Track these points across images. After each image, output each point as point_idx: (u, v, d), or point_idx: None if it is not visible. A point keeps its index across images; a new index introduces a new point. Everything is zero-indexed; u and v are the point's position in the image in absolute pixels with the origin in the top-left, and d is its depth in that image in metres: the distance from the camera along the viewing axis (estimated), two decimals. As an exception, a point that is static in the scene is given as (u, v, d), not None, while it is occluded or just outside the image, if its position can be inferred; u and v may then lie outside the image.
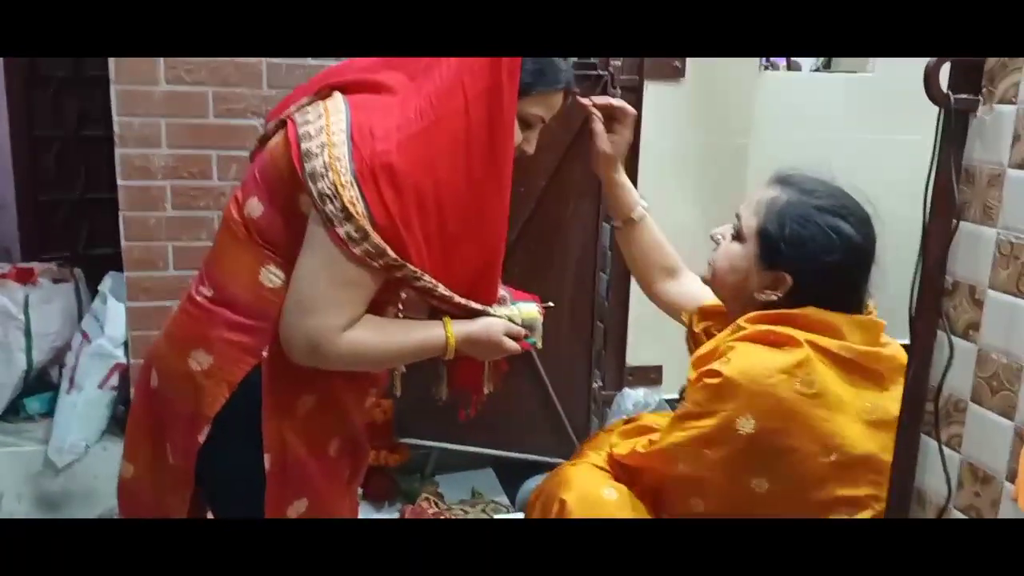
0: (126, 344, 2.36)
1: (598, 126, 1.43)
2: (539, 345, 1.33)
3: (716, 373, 1.19)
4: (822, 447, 1.17)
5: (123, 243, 2.27)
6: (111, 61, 2.17)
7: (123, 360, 2.37)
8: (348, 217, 1.08)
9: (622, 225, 1.51)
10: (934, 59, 0.95)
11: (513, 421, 2.36)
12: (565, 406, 2.35)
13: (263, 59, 2.27)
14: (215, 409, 1.18)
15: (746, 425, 1.16)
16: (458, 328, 1.23)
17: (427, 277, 1.15)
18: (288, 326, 1.14)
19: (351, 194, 1.08)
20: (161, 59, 2.19)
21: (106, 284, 2.46)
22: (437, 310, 1.24)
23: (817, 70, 3.10)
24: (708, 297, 1.43)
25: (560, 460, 1.68)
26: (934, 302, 1.00)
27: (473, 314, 1.24)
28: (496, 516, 2.39)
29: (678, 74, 2.19)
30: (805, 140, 2.74)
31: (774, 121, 2.58)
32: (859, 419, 1.19)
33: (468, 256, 1.19)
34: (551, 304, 1.37)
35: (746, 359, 1.18)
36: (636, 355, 2.38)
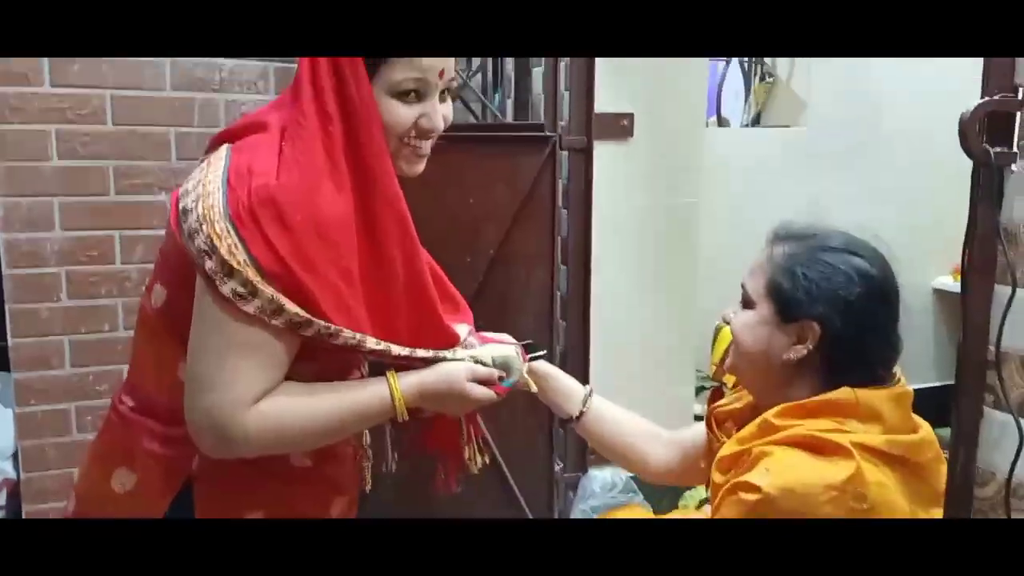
0: (16, 456, 2.07)
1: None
2: (534, 388, 1.19)
3: (753, 488, 1.00)
4: None
5: (10, 340, 2.02)
6: (-8, 135, 1.92)
7: (11, 475, 2.07)
8: (229, 272, 0.91)
9: (575, 424, 1.33)
10: (968, 111, 0.89)
11: (467, 509, 2.15)
12: (525, 492, 2.16)
13: (170, 128, 2.07)
14: None
15: None
16: (407, 381, 1.02)
17: (347, 331, 0.96)
18: (189, 410, 0.96)
19: (228, 242, 0.91)
20: (52, 130, 1.95)
21: (-9, 387, 2.16)
22: (380, 366, 1.05)
23: (746, 125, 3.11)
24: (700, 426, 1.27)
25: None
26: (978, 377, 0.92)
27: (425, 363, 1.05)
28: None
29: (626, 133, 2.13)
30: (746, 193, 2.74)
31: (718, 179, 2.56)
32: None
33: (392, 294, 1.01)
34: (530, 342, 1.19)
35: (789, 473, 1.01)
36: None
